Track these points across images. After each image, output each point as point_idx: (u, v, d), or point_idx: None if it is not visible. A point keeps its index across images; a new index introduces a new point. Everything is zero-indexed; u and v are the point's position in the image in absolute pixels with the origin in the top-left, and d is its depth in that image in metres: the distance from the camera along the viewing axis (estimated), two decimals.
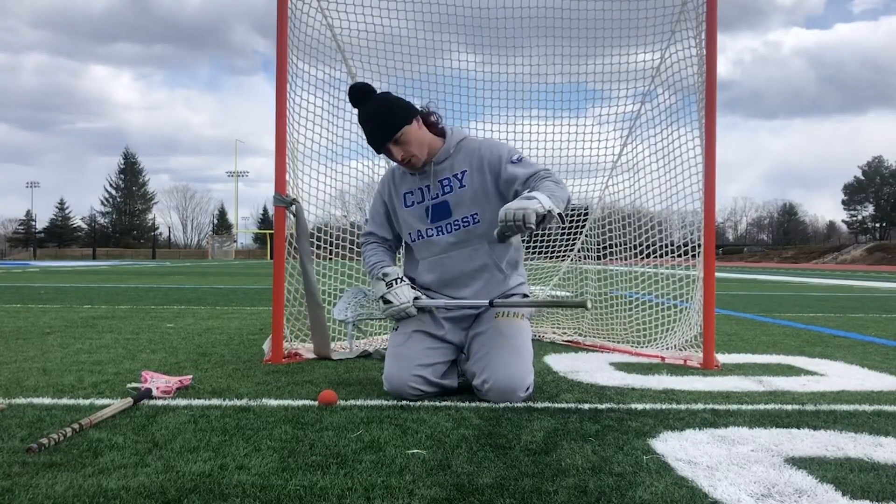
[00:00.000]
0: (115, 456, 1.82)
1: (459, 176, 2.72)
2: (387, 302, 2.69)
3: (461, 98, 4.14)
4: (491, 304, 2.65)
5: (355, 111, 3.90)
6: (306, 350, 3.63)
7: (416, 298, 2.70)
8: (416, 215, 2.79)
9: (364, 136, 2.73)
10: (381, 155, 2.90)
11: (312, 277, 3.51)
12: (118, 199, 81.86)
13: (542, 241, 4.76)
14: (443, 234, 2.75)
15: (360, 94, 2.69)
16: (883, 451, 1.97)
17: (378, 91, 2.72)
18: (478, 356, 2.62)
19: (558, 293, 4.92)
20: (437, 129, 2.77)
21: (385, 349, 2.94)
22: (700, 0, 3.52)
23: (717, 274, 3.61)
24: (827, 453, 1.94)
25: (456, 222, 2.73)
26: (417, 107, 2.75)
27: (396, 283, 2.70)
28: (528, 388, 2.56)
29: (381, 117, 2.63)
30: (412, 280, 2.86)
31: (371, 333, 4.16)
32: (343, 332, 3.88)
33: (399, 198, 2.84)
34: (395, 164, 2.88)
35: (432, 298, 2.82)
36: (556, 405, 2.52)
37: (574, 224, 4.69)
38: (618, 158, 4.34)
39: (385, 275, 2.73)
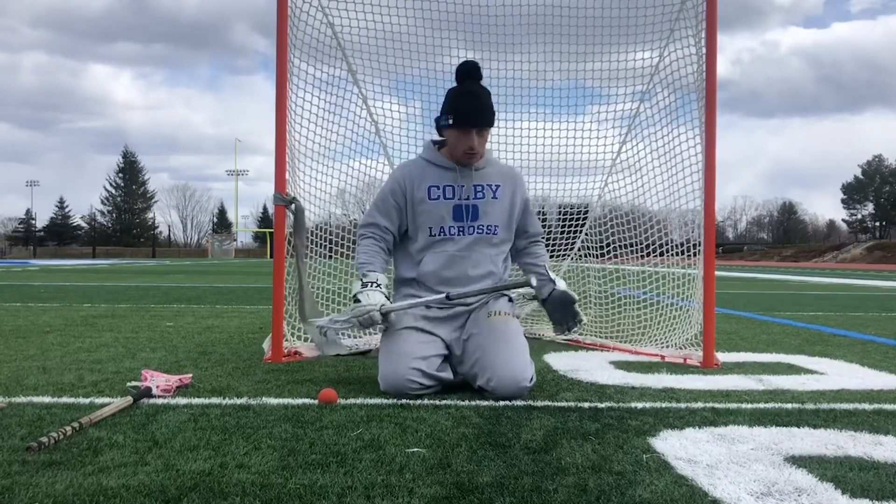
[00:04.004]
0: (115, 454, 1.82)
1: (494, 188, 2.89)
2: (356, 301, 2.73)
3: None
4: (448, 297, 2.73)
5: (355, 111, 3.87)
6: (306, 349, 3.62)
7: (382, 305, 2.72)
8: (442, 210, 2.86)
9: (454, 107, 2.78)
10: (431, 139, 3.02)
11: (304, 274, 3.52)
12: (118, 198, 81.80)
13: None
14: (462, 234, 2.86)
15: (471, 71, 2.86)
16: (882, 449, 1.97)
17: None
18: (476, 356, 2.64)
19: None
20: None
21: None
22: None
23: (717, 273, 3.61)
24: (827, 452, 1.94)
25: (480, 227, 2.86)
26: None
27: (371, 287, 2.76)
28: (531, 379, 2.60)
29: (490, 105, 2.83)
30: (408, 279, 2.93)
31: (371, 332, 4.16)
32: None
33: (422, 190, 2.88)
34: (414, 160, 3.02)
35: (423, 293, 2.86)
36: (556, 404, 2.52)
37: (574, 223, 4.69)
38: (616, 156, 4.34)
39: (364, 275, 2.80)
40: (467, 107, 2.77)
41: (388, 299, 2.78)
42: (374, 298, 2.70)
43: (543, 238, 3.10)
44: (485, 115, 2.79)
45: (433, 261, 2.87)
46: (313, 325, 2.99)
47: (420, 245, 2.90)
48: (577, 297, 2.89)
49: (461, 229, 2.86)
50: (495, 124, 2.91)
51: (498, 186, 2.90)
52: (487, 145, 2.92)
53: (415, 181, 2.90)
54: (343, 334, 3.67)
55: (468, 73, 2.86)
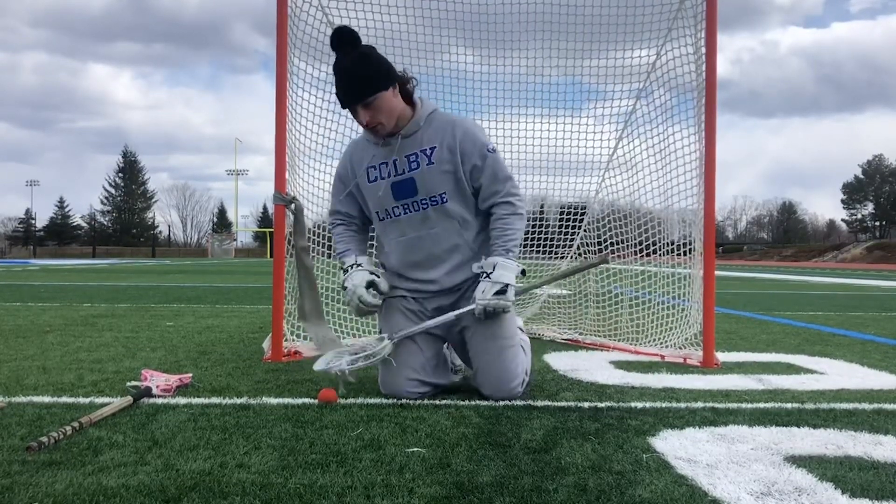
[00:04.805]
0: (115, 454, 1.82)
1: (428, 152, 2.56)
2: (345, 288, 2.66)
3: (460, 95, 4.16)
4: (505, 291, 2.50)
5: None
6: (306, 348, 3.62)
7: (370, 283, 2.64)
8: (381, 192, 2.63)
9: (335, 90, 2.54)
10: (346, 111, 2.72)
11: (311, 270, 3.50)
12: (118, 198, 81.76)
13: (540, 240, 4.76)
14: (409, 212, 2.62)
15: (342, 40, 2.48)
16: (882, 449, 1.97)
17: (364, 43, 2.53)
18: (470, 355, 2.62)
19: (556, 291, 4.91)
20: (409, 98, 2.60)
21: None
22: None
23: (716, 272, 3.61)
24: (826, 452, 1.94)
25: (423, 201, 2.60)
26: (398, 71, 2.59)
27: (352, 269, 2.67)
28: (523, 383, 2.57)
29: (359, 75, 2.46)
30: (384, 264, 2.80)
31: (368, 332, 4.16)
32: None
33: (362, 173, 2.68)
34: (358, 138, 2.81)
35: (401, 282, 2.71)
36: (556, 404, 2.52)
37: (573, 221, 4.69)
38: (613, 153, 4.35)
39: (343, 262, 2.71)
40: (339, 87, 2.50)
41: (377, 275, 2.70)
42: (357, 278, 2.64)
43: (512, 196, 2.59)
44: (356, 90, 2.46)
45: (394, 250, 2.69)
46: (327, 359, 2.68)
47: (378, 230, 2.76)
48: (509, 305, 2.52)
49: (405, 207, 2.62)
50: (387, 88, 2.48)
51: (433, 149, 2.56)
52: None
53: (355, 164, 2.71)
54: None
55: (338, 44, 2.49)
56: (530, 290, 2.62)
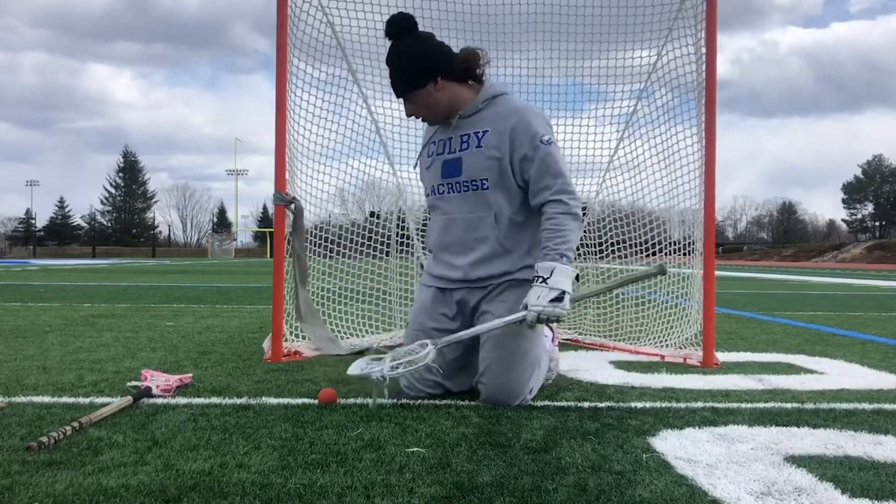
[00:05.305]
0: (115, 454, 1.82)
1: (480, 135, 2.53)
2: None
3: None
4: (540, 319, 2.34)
5: (355, 110, 3.87)
6: (306, 348, 3.62)
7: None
8: (435, 169, 2.65)
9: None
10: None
11: (303, 274, 3.51)
12: (118, 198, 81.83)
13: None
14: (453, 192, 2.59)
15: (394, 30, 2.52)
16: (882, 449, 1.97)
17: (420, 30, 2.55)
18: (479, 357, 2.56)
19: None
20: (475, 80, 2.60)
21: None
22: None
23: (716, 272, 3.61)
24: (826, 452, 1.94)
25: (465, 183, 2.55)
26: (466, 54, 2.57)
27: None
28: (524, 399, 2.47)
29: (398, 72, 2.54)
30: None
31: (375, 332, 4.16)
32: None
33: (426, 148, 2.72)
34: None
35: (435, 266, 2.69)
36: (556, 403, 2.52)
37: None
38: (614, 153, 4.35)
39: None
40: (390, 78, 2.59)
41: None
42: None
43: (565, 194, 2.45)
44: (395, 86, 2.57)
45: (434, 227, 2.69)
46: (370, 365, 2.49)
47: (428, 205, 2.77)
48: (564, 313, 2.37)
49: (450, 186, 2.59)
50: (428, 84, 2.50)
51: (485, 132, 2.51)
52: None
53: (424, 141, 2.78)
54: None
55: (389, 33, 2.54)
56: (585, 298, 2.46)
